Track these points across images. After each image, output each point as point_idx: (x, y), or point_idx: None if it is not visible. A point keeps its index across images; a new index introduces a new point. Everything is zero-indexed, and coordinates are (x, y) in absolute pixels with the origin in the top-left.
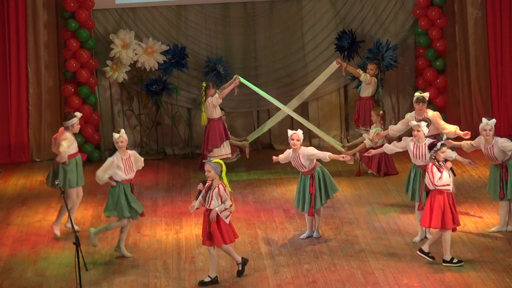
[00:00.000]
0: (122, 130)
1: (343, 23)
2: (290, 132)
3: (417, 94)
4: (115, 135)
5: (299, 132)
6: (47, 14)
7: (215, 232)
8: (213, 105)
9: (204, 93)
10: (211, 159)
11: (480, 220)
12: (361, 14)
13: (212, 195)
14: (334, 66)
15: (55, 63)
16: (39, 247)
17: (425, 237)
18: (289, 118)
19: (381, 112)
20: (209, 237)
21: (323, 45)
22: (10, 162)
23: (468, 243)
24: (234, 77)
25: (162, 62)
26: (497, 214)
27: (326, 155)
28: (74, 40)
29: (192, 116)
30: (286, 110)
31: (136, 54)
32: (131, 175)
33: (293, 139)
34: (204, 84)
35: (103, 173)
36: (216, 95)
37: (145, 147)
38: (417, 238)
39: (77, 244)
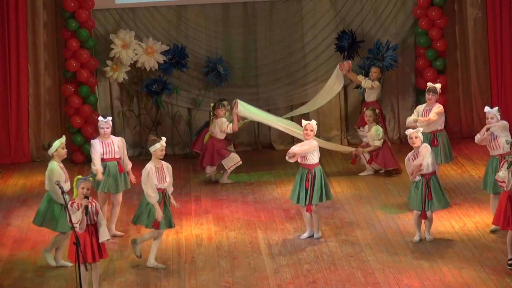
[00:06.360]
0: (164, 138)
1: (343, 23)
2: (304, 122)
3: (429, 84)
4: (157, 145)
5: (313, 122)
6: (47, 14)
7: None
8: (225, 131)
9: (212, 112)
10: (90, 177)
11: (480, 220)
12: (361, 14)
13: (93, 211)
14: (340, 72)
15: (55, 63)
16: (39, 247)
17: (424, 238)
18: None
19: (377, 111)
20: (99, 251)
21: (323, 45)
22: (10, 162)
23: (468, 243)
24: (234, 101)
25: (162, 62)
26: None
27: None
28: (74, 40)
29: (192, 116)
30: (288, 129)
31: (136, 54)
32: (162, 185)
33: (307, 129)
34: (212, 104)
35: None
36: (231, 125)
37: (145, 147)
38: (416, 238)
39: (77, 244)
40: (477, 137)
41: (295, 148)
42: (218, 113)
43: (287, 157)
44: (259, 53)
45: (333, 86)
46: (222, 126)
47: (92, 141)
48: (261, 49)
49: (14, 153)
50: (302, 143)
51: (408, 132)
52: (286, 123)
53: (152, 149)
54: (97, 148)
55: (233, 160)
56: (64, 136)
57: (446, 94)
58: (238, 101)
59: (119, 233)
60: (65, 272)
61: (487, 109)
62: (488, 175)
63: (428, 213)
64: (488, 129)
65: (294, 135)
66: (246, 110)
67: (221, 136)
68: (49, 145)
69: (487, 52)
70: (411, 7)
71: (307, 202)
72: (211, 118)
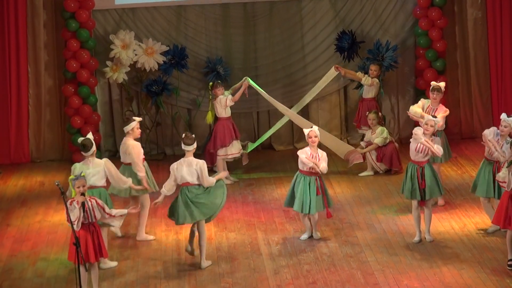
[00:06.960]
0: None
1: (343, 23)
2: (306, 130)
3: (433, 83)
4: (195, 144)
5: (315, 128)
6: (47, 14)
7: (102, 242)
8: (226, 105)
9: (211, 92)
10: (83, 173)
11: (480, 220)
12: (361, 14)
13: (94, 207)
14: (332, 73)
15: (55, 63)
16: (39, 248)
17: (424, 238)
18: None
19: (380, 114)
20: (99, 250)
21: (323, 45)
22: (10, 163)
23: (468, 243)
24: (244, 79)
25: (162, 62)
26: None
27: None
28: (74, 40)
29: (192, 116)
30: (291, 114)
31: (136, 54)
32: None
33: (310, 137)
34: (210, 84)
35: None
36: (230, 96)
37: (145, 147)
38: (416, 239)
39: (77, 245)
40: (488, 135)
41: (321, 165)
42: (216, 92)
43: (307, 166)
44: (259, 53)
45: (321, 85)
46: (222, 103)
47: (131, 143)
48: (261, 50)
49: (14, 154)
50: (321, 157)
51: (427, 117)
52: (291, 111)
53: (193, 146)
54: (140, 151)
55: (232, 149)
56: (90, 132)
57: (446, 95)
58: (248, 78)
59: (150, 237)
60: (65, 272)
61: (503, 116)
62: (479, 178)
63: (427, 202)
64: (495, 148)
65: (296, 123)
66: (255, 85)
67: (226, 114)
68: (92, 145)
69: (487, 53)
70: (411, 7)
71: (324, 208)
72: (210, 97)
